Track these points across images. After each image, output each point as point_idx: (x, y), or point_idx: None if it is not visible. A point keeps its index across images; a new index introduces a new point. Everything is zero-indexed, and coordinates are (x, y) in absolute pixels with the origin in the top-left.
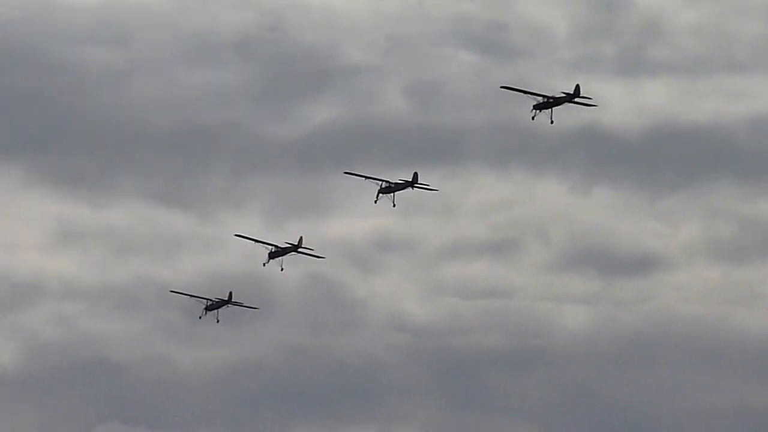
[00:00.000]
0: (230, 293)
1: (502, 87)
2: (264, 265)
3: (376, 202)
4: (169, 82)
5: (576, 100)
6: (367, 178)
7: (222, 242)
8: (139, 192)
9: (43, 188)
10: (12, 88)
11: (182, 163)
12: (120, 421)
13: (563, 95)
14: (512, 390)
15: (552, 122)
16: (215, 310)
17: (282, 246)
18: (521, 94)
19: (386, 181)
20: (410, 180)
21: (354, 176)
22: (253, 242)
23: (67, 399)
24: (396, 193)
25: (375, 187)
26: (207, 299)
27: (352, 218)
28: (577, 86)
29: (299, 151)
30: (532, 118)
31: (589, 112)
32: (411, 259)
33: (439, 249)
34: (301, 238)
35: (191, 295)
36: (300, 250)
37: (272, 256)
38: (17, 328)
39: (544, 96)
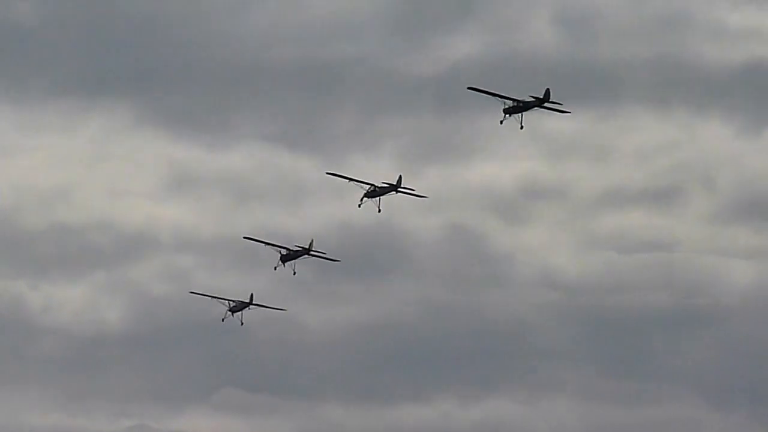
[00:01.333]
0: (311, 242)
1: (469, 88)
2: (359, 206)
3: (360, 206)
4: (293, 12)
5: (546, 105)
6: (350, 180)
7: (351, 188)
8: (260, 133)
9: (155, 130)
10: (121, 18)
11: (307, 102)
12: (240, 387)
13: (532, 99)
14: (674, 354)
15: (522, 128)
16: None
17: (379, 186)
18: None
19: (371, 185)
20: (395, 183)
21: (336, 176)
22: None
23: (180, 363)
24: (381, 197)
25: (360, 190)
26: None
27: (496, 162)
28: (547, 90)
29: (437, 89)
30: (501, 123)
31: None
32: (562, 209)
33: (593, 197)
34: (312, 241)
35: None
36: (312, 252)
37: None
38: (126, 284)
39: (513, 100)
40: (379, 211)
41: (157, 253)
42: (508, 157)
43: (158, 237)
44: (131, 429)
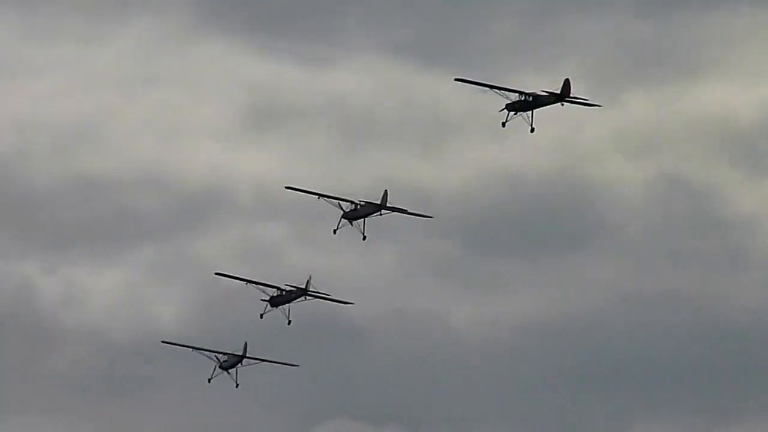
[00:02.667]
0: (385, 193)
1: (456, 79)
2: (335, 231)
3: (335, 232)
4: None
5: (567, 100)
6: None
7: (512, 123)
8: (381, 44)
9: (225, 37)
10: None
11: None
12: (351, 416)
13: (544, 94)
14: None
15: (533, 130)
16: (361, 220)
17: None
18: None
19: (351, 202)
20: (378, 203)
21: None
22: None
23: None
24: (366, 219)
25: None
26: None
27: (732, 85)
28: (567, 81)
29: None
30: (503, 125)
31: None
32: None
33: None
34: (309, 278)
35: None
36: (312, 293)
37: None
38: (185, 264)
39: (519, 92)
40: (364, 238)
41: (230, 219)
42: (751, 77)
43: (231, 196)
44: None
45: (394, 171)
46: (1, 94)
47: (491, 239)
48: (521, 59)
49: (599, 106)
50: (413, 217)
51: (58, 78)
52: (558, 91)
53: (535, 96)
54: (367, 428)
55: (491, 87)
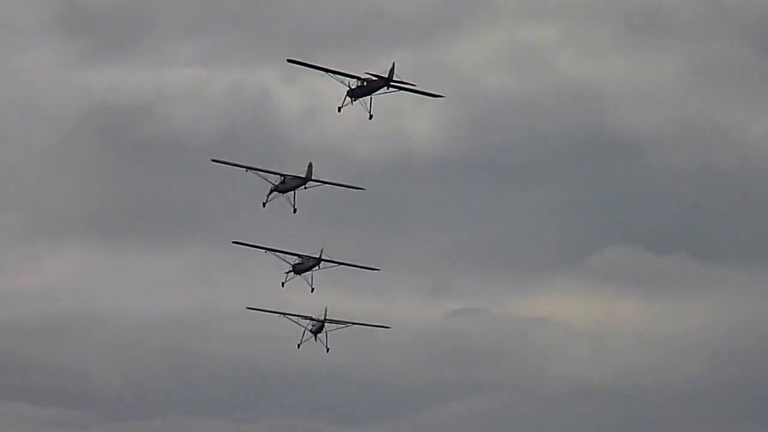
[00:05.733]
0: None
1: (289, 60)
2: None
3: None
4: None
5: (394, 84)
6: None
7: None
8: None
9: None
10: None
11: None
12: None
13: (374, 78)
14: None
15: (371, 117)
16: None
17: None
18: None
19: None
20: (317, 257)
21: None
22: None
23: None
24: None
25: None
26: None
27: None
28: (393, 66)
29: None
30: (339, 110)
31: None
32: None
33: None
34: (322, 250)
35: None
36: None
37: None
38: None
39: (357, 78)
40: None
41: None
42: None
43: None
44: None
45: None
46: None
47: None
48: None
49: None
50: None
51: None
52: (386, 75)
53: (369, 80)
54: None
55: (325, 70)
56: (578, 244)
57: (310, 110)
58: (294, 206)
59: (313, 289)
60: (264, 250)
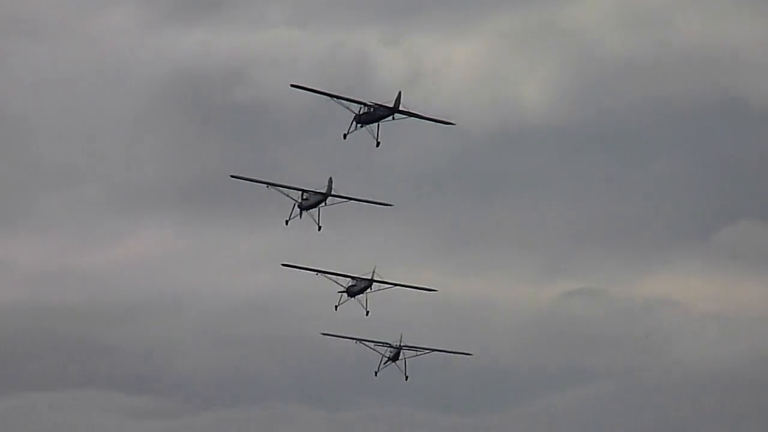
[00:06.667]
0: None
1: (292, 85)
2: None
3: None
4: None
5: (401, 112)
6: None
7: None
8: None
9: None
10: None
11: None
12: None
13: (378, 106)
14: None
15: (378, 144)
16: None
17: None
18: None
19: (303, 188)
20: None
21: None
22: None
23: None
24: (318, 207)
25: None
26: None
27: None
28: (399, 94)
29: None
30: (344, 137)
31: None
32: None
33: None
34: (374, 270)
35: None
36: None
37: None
38: None
39: (363, 104)
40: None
41: None
42: None
43: None
44: None
45: None
46: None
47: None
48: None
49: (453, 124)
50: None
51: None
52: (392, 104)
53: (377, 106)
54: None
55: (330, 96)
56: (703, 220)
57: (413, 74)
58: (318, 224)
59: (368, 312)
60: (315, 272)
